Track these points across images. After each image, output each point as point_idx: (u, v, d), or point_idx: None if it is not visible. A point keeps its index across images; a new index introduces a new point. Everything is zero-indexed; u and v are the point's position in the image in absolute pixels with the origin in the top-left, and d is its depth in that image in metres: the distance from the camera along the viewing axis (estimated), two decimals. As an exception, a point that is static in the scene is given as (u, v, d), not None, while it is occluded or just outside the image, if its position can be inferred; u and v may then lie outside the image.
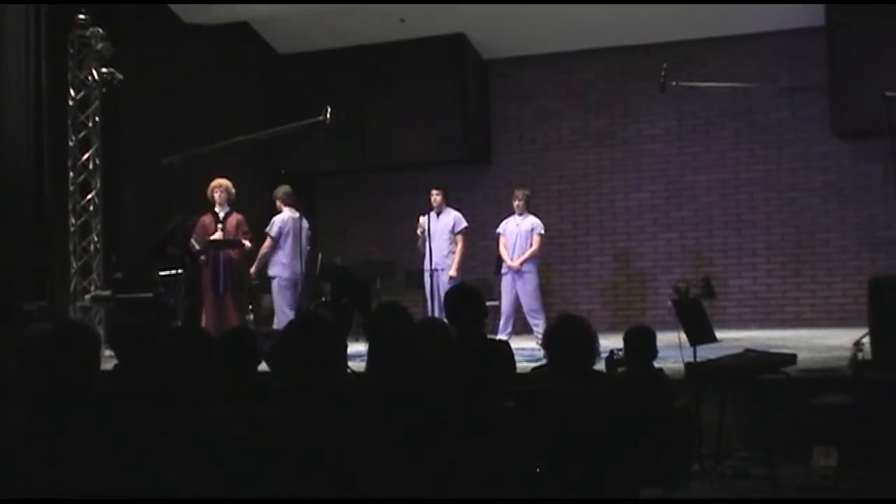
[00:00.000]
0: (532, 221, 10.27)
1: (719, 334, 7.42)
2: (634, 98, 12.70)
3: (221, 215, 9.66)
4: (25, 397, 3.15)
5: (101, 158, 10.71)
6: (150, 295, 10.22)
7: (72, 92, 10.59)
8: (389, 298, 10.19)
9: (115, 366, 4.55)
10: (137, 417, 3.21)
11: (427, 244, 9.86)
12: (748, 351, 6.98)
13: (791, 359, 6.80)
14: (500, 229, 10.42)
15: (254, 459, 2.88)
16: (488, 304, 7.55)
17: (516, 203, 10.34)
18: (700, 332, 6.94)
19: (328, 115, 10.00)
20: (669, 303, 7.95)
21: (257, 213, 10.31)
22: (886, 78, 9.58)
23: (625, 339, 5.55)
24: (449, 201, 10.39)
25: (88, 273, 10.61)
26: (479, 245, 11.79)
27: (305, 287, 10.00)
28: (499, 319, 10.08)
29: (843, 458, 6.25)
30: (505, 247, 10.27)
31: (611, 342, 6.27)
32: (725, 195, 12.48)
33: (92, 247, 10.64)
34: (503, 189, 12.12)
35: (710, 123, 12.58)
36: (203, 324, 9.26)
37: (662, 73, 10.07)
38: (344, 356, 3.26)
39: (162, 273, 10.07)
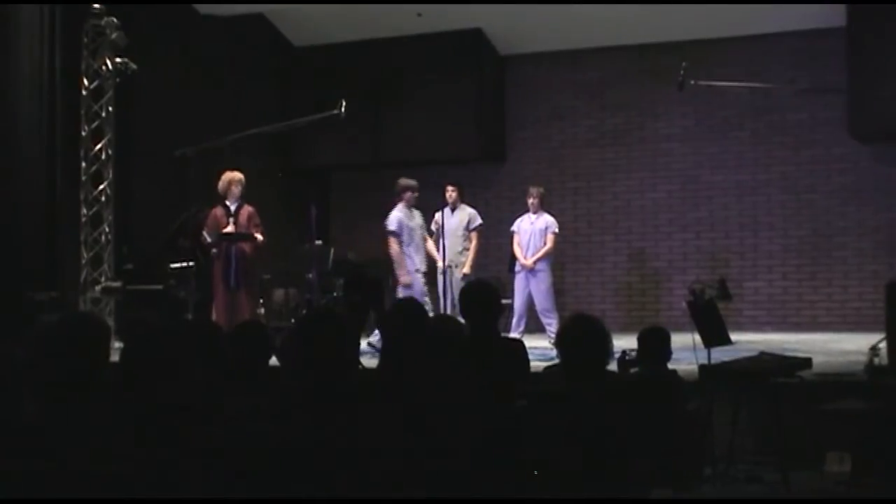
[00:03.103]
0: (546, 220, 10.21)
1: (734, 336, 7.35)
2: (652, 97, 12.63)
3: (233, 208, 9.59)
4: (34, 389, 3.12)
5: (114, 149, 10.67)
6: (160, 287, 10.19)
7: (85, 81, 10.55)
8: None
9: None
10: (146, 411, 3.17)
11: (441, 241, 9.81)
12: (763, 354, 6.92)
13: (806, 363, 6.73)
14: (514, 227, 10.37)
15: (263, 455, 2.85)
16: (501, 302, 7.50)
17: (531, 201, 10.29)
18: (715, 334, 6.89)
19: (343, 109, 9.96)
20: (684, 304, 7.90)
21: (269, 207, 10.26)
22: (907, 81, 9.50)
23: (639, 340, 5.51)
24: (464, 198, 10.34)
25: (99, 264, 10.58)
26: (493, 243, 11.71)
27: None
28: (511, 318, 10.03)
29: (856, 464, 6.19)
30: (519, 245, 10.22)
31: (624, 342, 6.21)
32: (742, 196, 12.40)
33: (103, 238, 10.61)
34: (518, 187, 12.04)
35: (727, 124, 12.50)
36: (214, 317, 9.21)
37: (681, 72, 10.02)
38: (356, 352, 3.21)
39: (173, 265, 10.02)
